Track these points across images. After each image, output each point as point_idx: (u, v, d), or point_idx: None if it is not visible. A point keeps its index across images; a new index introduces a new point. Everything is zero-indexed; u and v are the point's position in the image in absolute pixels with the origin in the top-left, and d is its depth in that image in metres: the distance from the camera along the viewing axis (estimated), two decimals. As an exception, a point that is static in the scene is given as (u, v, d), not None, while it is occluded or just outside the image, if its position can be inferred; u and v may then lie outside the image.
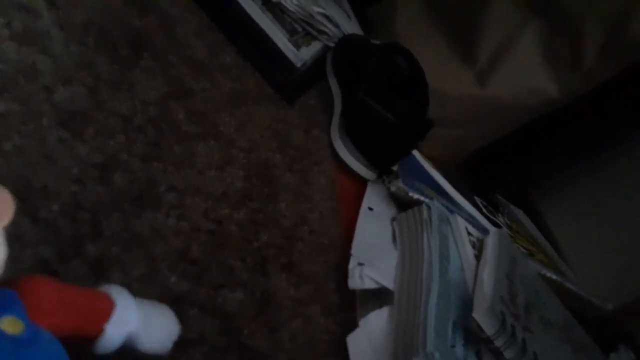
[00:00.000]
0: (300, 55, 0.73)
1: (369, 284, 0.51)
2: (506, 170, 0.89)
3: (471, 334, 0.47)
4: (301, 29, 0.76)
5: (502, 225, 0.75)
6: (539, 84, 0.75)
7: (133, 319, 0.32)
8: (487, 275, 0.51)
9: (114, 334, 0.31)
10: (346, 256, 0.54)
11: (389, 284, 0.51)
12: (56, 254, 0.37)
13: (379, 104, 0.70)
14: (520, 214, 0.87)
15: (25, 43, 0.45)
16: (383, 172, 0.70)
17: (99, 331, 0.31)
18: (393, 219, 0.62)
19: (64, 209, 0.39)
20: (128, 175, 0.45)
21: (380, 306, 0.49)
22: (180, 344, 0.36)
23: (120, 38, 0.53)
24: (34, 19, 0.47)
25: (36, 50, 0.45)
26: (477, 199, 0.79)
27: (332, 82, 0.79)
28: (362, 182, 0.69)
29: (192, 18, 0.64)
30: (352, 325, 0.49)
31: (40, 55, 0.45)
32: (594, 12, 0.71)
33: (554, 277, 0.66)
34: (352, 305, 0.52)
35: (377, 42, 0.80)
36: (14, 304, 0.27)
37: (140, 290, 0.40)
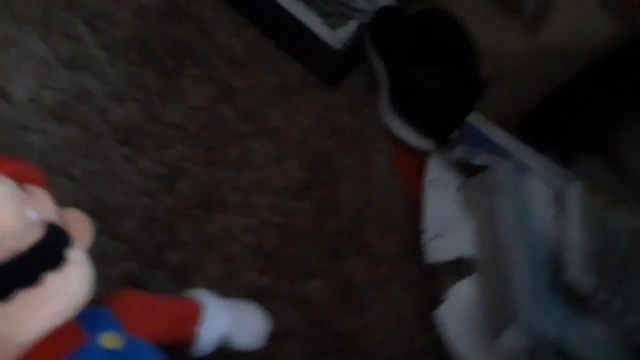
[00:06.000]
0: (337, 36, 0.71)
1: (445, 256, 0.49)
2: (573, 121, 0.83)
3: (565, 294, 0.45)
4: (334, 10, 0.74)
5: (578, 179, 0.71)
6: (593, 23, 0.70)
7: (223, 320, 0.32)
8: (573, 232, 0.48)
9: (207, 336, 0.32)
10: (417, 231, 0.53)
11: (467, 253, 0.49)
12: (139, 267, 0.38)
13: (424, 71, 0.68)
14: (594, 164, 0.82)
15: (74, 69, 0.46)
16: (441, 140, 0.67)
17: (193, 335, 0.31)
18: (460, 187, 0.59)
19: (139, 222, 0.40)
20: (192, 181, 0.46)
21: (461, 277, 0.47)
22: (273, 338, 0.36)
23: (162, 49, 0.54)
24: (79, 45, 0.48)
25: (86, 74, 0.47)
26: (546, 156, 0.75)
27: (374, 58, 0.77)
28: (422, 155, 0.66)
29: (227, 18, 0.64)
30: (436, 300, 0.48)
31: (91, 79, 0.47)
32: None
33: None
34: (432, 280, 0.51)
35: (414, 10, 0.77)
36: (111, 320, 0.28)
37: (223, 290, 0.40)
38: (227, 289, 0.40)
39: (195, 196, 0.45)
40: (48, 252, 0.25)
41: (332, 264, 0.47)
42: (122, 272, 0.37)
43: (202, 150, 0.49)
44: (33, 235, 0.24)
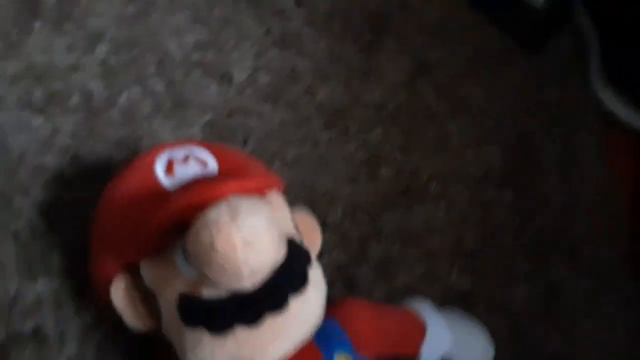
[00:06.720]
0: (538, -8, 0.62)
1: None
2: None
3: None
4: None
5: None
6: None
7: (446, 339, 0.31)
8: None
9: (429, 355, 0.31)
10: (634, 237, 0.46)
11: None
12: (348, 258, 0.39)
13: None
14: None
15: (284, 48, 0.47)
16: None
17: (415, 353, 0.31)
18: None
19: (345, 211, 0.41)
20: (392, 168, 0.45)
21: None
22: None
23: (361, 22, 0.52)
24: (287, 22, 0.48)
25: (293, 52, 0.47)
26: None
27: (583, 17, 0.66)
28: (640, 139, 0.57)
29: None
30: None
31: (298, 57, 0.47)
32: None
33: None
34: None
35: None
36: (342, 340, 0.28)
37: (425, 290, 0.39)
38: (430, 288, 0.40)
39: (396, 184, 0.44)
40: (293, 274, 0.25)
41: (537, 269, 0.43)
42: (333, 263, 0.38)
43: (400, 133, 0.47)
44: (279, 257, 0.24)
